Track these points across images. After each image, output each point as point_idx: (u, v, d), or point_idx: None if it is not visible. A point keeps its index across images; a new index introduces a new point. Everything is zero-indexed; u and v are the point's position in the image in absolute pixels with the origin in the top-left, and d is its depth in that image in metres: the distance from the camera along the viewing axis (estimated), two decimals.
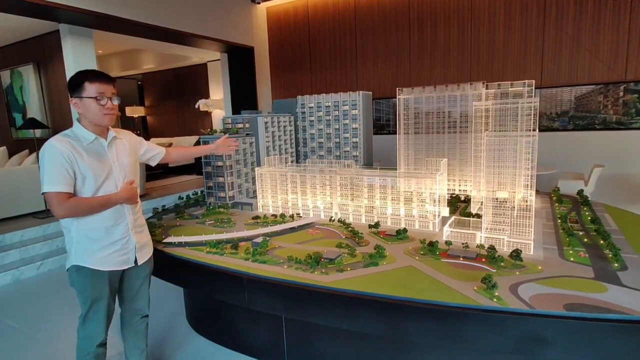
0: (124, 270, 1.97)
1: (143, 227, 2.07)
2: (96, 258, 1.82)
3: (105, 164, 1.85)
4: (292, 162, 3.89)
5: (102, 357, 1.95)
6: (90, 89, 1.78)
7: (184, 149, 2.59)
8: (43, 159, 1.72)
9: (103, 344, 1.93)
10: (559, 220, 2.51)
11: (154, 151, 2.28)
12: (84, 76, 1.79)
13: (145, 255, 2.05)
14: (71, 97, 1.81)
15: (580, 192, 3.13)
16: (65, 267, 1.92)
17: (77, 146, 1.77)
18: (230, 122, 3.60)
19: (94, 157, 1.80)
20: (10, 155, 6.83)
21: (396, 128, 3.10)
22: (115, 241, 1.87)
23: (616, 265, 1.80)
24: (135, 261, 1.97)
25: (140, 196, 6.51)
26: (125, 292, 2.06)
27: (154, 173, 7.89)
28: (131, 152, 2.01)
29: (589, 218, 2.52)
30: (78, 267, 1.82)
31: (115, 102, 1.86)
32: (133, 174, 2.00)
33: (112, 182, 1.86)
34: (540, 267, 1.81)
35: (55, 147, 1.71)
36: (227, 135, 2.75)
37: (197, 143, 8.20)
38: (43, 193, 1.71)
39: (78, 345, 1.91)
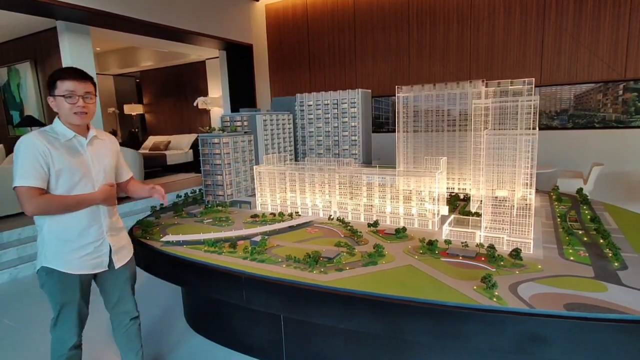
0: (99, 274, 1.90)
1: (120, 230, 2.00)
2: (67, 260, 1.77)
3: (82, 162, 1.79)
4: (290, 160, 3.87)
5: (76, 358, 1.91)
6: (61, 86, 1.73)
7: (140, 185, 2.29)
8: (17, 153, 1.68)
9: (77, 347, 1.89)
10: (559, 219, 2.51)
11: (124, 170, 2.15)
12: (56, 73, 1.75)
13: (123, 258, 1.98)
14: (48, 95, 1.78)
15: (579, 190, 3.13)
16: None
17: (55, 142, 1.73)
18: (228, 120, 3.58)
19: (71, 155, 1.76)
20: (8, 153, 6.79)
21: (395, 126, 3.08)
22: (88, 244, 1.81)
23: (616, 264, 1.79)
24: (111, 265, 1.90)
25: None
26: (108, 297, 2.01)
27: (152, 171, 7.87)
28: (112, 154, 1.96)
29: (589, 217, 2.52)
30: (48, 270, 1.76)
31: (89, 101, 1.80)
32: (112, 177, 1.95)
33: (88, 181, 1.80)
34: (540, 266, 1.80)
35: (30, 141, 1.68)
36: (153, 186, 2.26)
37: (196, 141, 8.18)
38: (14, 187, 1.66)
39: (52, 348, 1.87)
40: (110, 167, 1.93)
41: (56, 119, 1.81)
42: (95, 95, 1.85)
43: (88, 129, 1.86)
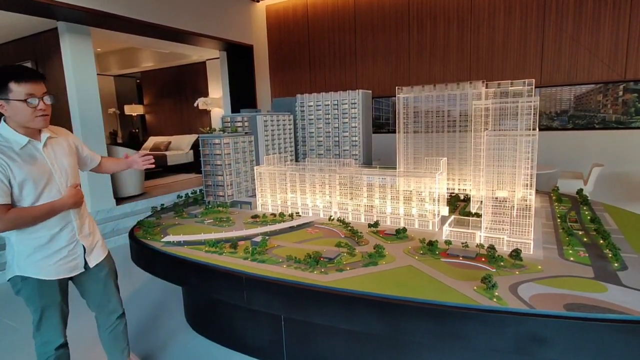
0: (76, 276, 1.88)
1: (91, 230, 1.96)
2: (40, 267, 1.72)
3: (43, 168, 1.70)
4: (291, 160, 3.88)
5: (64, 357, 1.88)
6: (18, 90, 1.59)
7: (114, 160, 2.31)
8: None
9: (63, 346, 1.86)
10: (559, 220, 2.51)
11: (89, 155, 2.08)
12: (8, 75, 1.59)
13: (98, 257, 1.96)
14: None
15: (579, 191, 3.13)
16: None
17: (9, 152, 1.61)
18: (229, 120, 3.59)
19: (30, 162, 1.65)
20: None
21: (396, 127, 3.09)
22: (61, 248, 1.77)
23: (616, 264, 1.79)
24: (86, 265, 1.89)
25: (139, 195, 6.44)
26: (90, 298, 1.99)
27: (152, 172, 7.87)
28: (70, 152, 1.86)
29: (589, 217, 2.52)
30: (22, 277, 1.72)
31: (48, 102, 1.69)
32: (75, 176, 1.87)
33: (54, 187, 1.73)
34: (540, 267, 1.81)
35: None
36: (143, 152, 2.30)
37: (197, 142, 8.18)
38: None
39: (37, 351, 1.83)
40: (71, 166, 1.84)
41: (2, 125, 1.67)
42: (50, 95, 1.72)
43: (40, 130, 1.74)
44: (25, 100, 1.61)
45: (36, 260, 1.72)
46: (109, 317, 2.07)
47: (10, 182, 1.59)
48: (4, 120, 1.67)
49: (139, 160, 2.22)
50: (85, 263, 1.88)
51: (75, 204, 1.78)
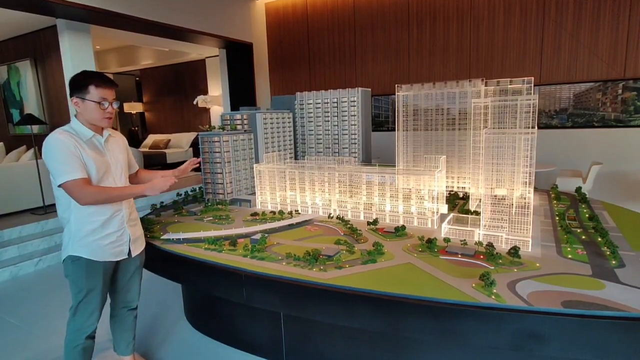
0: (117, 262, 2.03)
1: (137, 221, 2.14)
2: (92, 249, 1.87)
3: (104, 159, 1.91)
4: (290, 158, 3.88)
5: (89, 350, 1.98)
6: (95, 93, 1.83)
7: (150, 172, 2.39)
8: (52, 152, 1.74)
9: (92, 337, 1.97)
10: (557, 218, 2.52)
11: (132, 164, 2.24)
12: (90, 79, 1.83)
13: (139, 247, 2.12)
14: (72, 95, 1.85)
15: (578, 189, 3.14)
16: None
17: (78, 140, 1.83)
18: (228, 118, 3.59)
19: (93, 152, 1.87)
20: (8, 151, 6.80)
21: (395, 125, 3.09)
22: (111, 233, 1.93)
23: (614, 262, 1.80)
24: (129, 253, 2.04)
25: None
26: (117, 283, 2.13)
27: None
28: (124, 150, 2.10)
29: (587, 215, 2.53)
30: (74, 258, 1.86)
31: (115, 107, 1.93)
32: (127, 171, 2.09)
33: (110, 177, 1.93)
34: (538, 265, 1.82)
35: (60, 139, 1.76)
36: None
37: (196, 139, 8.19)
38: (61, 184, 1.73)
39: (68, 339, 1.93)
40: (124, 162, 2.06)
41: (74, 120, 1.89)
42: (117, 101, 1.96)
43: (102, 128, 1.96)
44: (99, 103, 1.83)
45: (89, 242, 1.87)
46: (123, 306, 2.20)
47: (83, 161, 1.79)
48: (75, 116, 1.90)
49: (185, 170, 2.37)
50: (129, 251, 2.03)
51: (159, 190, 1.94)
